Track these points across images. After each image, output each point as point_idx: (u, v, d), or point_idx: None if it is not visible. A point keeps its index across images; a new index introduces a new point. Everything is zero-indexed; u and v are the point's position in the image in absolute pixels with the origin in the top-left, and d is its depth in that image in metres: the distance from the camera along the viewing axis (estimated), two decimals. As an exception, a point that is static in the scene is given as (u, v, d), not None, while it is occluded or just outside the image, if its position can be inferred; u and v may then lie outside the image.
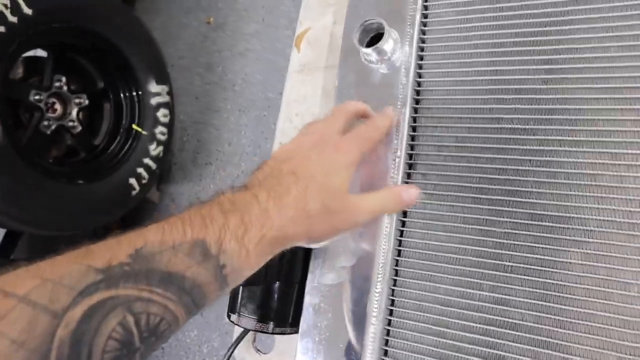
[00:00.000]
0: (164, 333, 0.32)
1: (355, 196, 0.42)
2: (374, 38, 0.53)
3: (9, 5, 1.06)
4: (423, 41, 0.53)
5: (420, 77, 0.52)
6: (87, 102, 1.38)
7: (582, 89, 0.44)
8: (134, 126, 1.41)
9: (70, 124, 1.35)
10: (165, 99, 1.46)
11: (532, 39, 0.47)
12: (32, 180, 1.14)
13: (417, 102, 0.52)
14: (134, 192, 1.39)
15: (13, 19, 1.07)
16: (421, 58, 0.53)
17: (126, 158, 1.40)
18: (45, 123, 1.29)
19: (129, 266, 0.31)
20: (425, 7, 0.54)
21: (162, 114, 1.46)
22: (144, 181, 1.42)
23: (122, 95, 1.42)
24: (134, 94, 1.42)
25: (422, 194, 0.47)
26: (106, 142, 1.43)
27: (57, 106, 1.33)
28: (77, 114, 1.36)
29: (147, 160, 1.43)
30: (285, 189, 0.39)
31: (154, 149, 1.45)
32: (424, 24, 0.54)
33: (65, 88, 1.33)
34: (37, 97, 1.26)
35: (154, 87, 1.43)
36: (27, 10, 1.10)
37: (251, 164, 1.69)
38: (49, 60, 1.29)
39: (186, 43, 1.94)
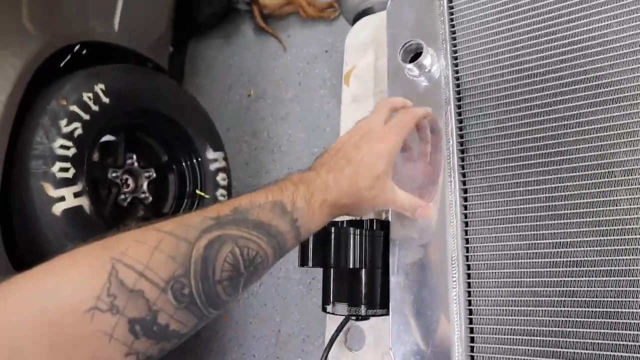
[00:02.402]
0: (259, 265, 0.44)
1: (393, 185, 0.54)
2: (414, 57, 0.64)
3: (91, 97, 1.25)
4: (455, 52, 0.64)
5: (457, 80, 0.62)
6: (154, 174, 1.54)
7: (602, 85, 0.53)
8: (198, 191, 1.55)
9: (142, 195, 1.50)
10: (222, 164, 1.61)
11: (543, 39, 0.57)
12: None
13: (459, 99, 0.61)
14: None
15: (95, 107, 1.26)
16: (456, 65, 0.63)
17: (193, 221, 1.53)
18: (122, 197, 1.45)
19: (231, 216, 0.43)
20: (452, 25, 0.65)
21: (221, 178, 1.60)
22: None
23: (184, 164, 1.57)
24: (195, 162, 1.57)
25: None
26: (174, 209, 1.57)
27: (130, 181, 1.49)
28: (147, 186, 1.52)
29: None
30: (339, 169, 0.51)
31: (217, 211, 1.57)
32: (454, 39, 0.64)
33: (136, 164, 1.50)
34: (113, 175, 1.43)
35: (211, 154, 1.58)
36: (105, 99, 1.28)
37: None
38: (121, 141, 1.46)
39: (231, 116, 2.13)
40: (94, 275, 0.35)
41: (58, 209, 1.15)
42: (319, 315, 1.62)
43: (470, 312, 0.54)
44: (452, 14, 0.65)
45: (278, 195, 0.46)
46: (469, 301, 0.54)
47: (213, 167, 1.59)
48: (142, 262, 0.37)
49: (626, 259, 0.47)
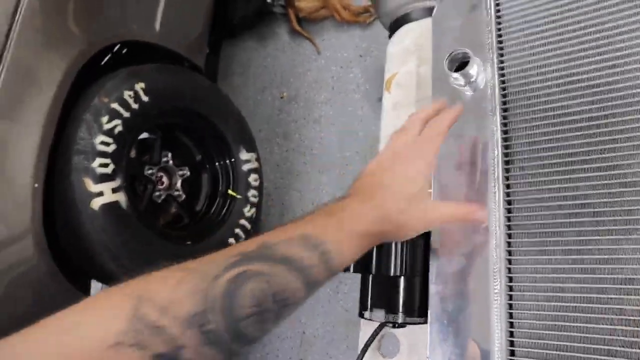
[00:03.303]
0: (287, 300, 0.43)
1: (430, 202, 0.52)
2: (460, 65, 0.63)
3: (132, 95, 1.28)
4: (502, 62, 0.63)
5: (504, 90, 0.62)
6: (188, 173, 1.57)
7: None
8: (230, 191, 1.57)
9: (176, 193, 1.53)
10: (254, 165, 1.62)
11: (592, 51, 0.56)
12: (149, 240, 1.30)
13: (504, 110, 0.61)
14: (233, 251, 1.51)
15: (135, 105, 1.29)
16: (502, 75, 0.63)
17: (225, 220, 1.55)
18: (157, 193, 1.48)
19: (257, 252, 0.43)
20: (500, 35, 0.64)
21: (253, 179, 1.61)
22: (241, 240, 1.55)
23: (217, 164, 1.60)
24: (228, 162, 1.59)
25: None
26: (206, 207, 1.59)
27: (164, 179, 1.52)
28: (181, 184, 1.54)
29: (242, 221, 1.57)
30: (369, 196, 0.50)
31: (248, 211, 1.59)
32: (500, 48, 0.64)
33: (171, 162, 1.53)
34: (149, 172, 1.46)
35: (244, 155, 1.60)
36: (145, 98, 1.31)
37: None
38: (158, 139, 1.49)
39: (263, 117, 2.15)
40: (119, 311, 0.36)
41: (97, 203, 1.18)
42: (345, 319, 1.62)
43: (512, 324, 0.53)
44: (499, 22, 0.65)
45: (306, 228, 0.46)
46: (510, 314, 0.54)
47: (246, 167, 1.60)
48: (166, 297, 0.37)
49: (678, 279, 0.46)
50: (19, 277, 1.09)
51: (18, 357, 0.33)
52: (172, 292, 0.38)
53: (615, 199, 0.51)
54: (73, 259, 1.20)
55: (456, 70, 0.62)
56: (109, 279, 1.24)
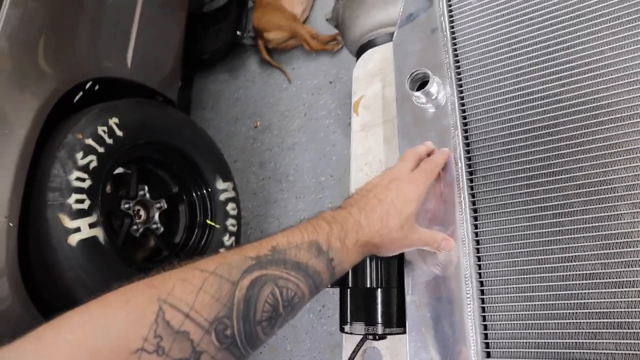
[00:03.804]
0: (296, 305, 0.45)
1: (417, 226, 0.56)
2: (421, 85, 0.67)
3: (106, 131, 1.29)
4: (460, 79, 0.67)
5: (463, 105, 0.66)
6: (165, 205, 1.57)
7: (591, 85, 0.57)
8: (209, 221, 1.57)
9: (154, 226, 1.53)
10: (232, 194, 1.64)
11: (543, 65, 0.61)
12: (128, 276, 1.28)
13: (465, 124, 0.65)
14: (214, 280, 1.51)
15: (109, 141, 1.30)
16: (461, 92, 0.67)
17: (204, 251, 1.55)
18: (135, 227, 1.47)
19: (271, 256, 0.44)
20: (456, 55, 0.69)
21: (230, 208, 1.62)
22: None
23: (194, 195, 1.60)
24: (205, 192, 1.60)
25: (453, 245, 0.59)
26: (185, 239, 1.59)
27: (142, 212, 1.52)
28: (159, 217, 1.54)
29: (222, 251, 1.57)
30: (371, 209, 0.53)
31: (227, 240, 1.59)
32: (458, 67, 0.68)
33: (147, 195, 1.53)
34: (126, 206, 1.45)
35: (221, 184, 1.62)
36: (119, 132, 1.33)
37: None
38: (134, 173, 1.50)
39: (238, 147, 2.17)
40: (141, 316, 0.36)
41: (74, 239, 1.17)
42: (330, 343, 1.62)
43: (485, 327, 0.56)
44: (455, 44, 0.69)
45: (313, 235, 0.48)
46: (484, 317, 0.56)
47: (223, 197, 1.62)
48: (188, 302, 0.38)
49: (632, 271, 0.49)
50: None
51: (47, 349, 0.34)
52: (195, 297, 0.38)
53: (571, 200, 0.54)
54: (49, 296, 1.19)
55: (418, 90, 0.66)
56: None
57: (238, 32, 2.16)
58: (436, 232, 0.59)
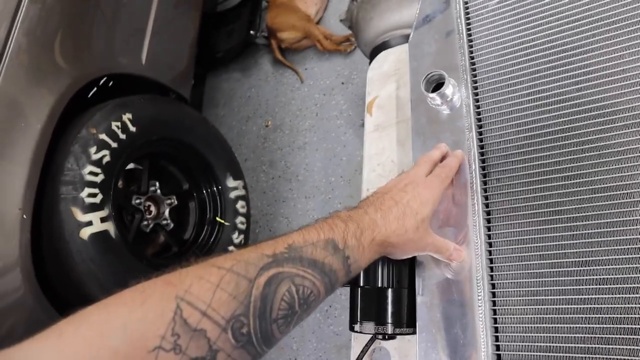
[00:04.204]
0: (312, 304, 0.45)
1: (431, 230, 0.56)
2: (436, 86, 0.67)
3: (119, 126, 1.30)
4: (475, 82, 0.67)
5: (478, 107, 0.66)
6: (176, 202, 1.58)
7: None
8: (218, 218, 1.58)
9: (164, 222, 1.54)
10: (242, 192, 1.64)
11: (559, 69, 0.61)
12: (138, 270, 1.30)
13: (480, 127, 0.65)
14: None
15: (122, 136, 1.31)
16: (476, 94, 0.67)
17: (213, 248, 1.56)
18: (145, 223, 1.48)
19: (287, 254, 0.44)
20: (472, 57, 0.69)
21: (240, 206, 1.63)
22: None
23: (204, 192, 1.61)
24: (215, 190, 1.61)
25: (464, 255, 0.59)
26: (194, 236, 1.60)
27: (152, 208, 1.53)
28: (169, 213, 1.55)
29: (231, 248, 1.58)
30: (387, 209, 0.53)
31: (236, 238, 1.60)
32: (473, 69, 0.68)
33: (158, 192, 1.54)
34: (137, 201, 1.47)
35: (231, 182, 1.62)
36: (132, 128, 1.34)
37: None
38: (145, 169, 1.51)
39: (249, 146, 2.18)
40: (159, 314, 0.36)
41: (85, 232, 1.19)
42: (337, 343, 1.62)
43: (496, 330, 0.56)
44: (471, 46, 0.69)
45: (329, 233, 0.48)
46: (495, 319, 0.56)
47: (233, 195, 1.62)
48: (205, 300, 0.37)
49: (648, 277, 0.49)
50: (7, 308, 1.08)
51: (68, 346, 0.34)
52: (212, 294, 0.38)
53: (586, 205, 0.54)
54: (61, 288, 1.20)
55: (433, 91, 0.66)
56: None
57: (251, 32, 2.17)
58: (449, 241, 0.59)
